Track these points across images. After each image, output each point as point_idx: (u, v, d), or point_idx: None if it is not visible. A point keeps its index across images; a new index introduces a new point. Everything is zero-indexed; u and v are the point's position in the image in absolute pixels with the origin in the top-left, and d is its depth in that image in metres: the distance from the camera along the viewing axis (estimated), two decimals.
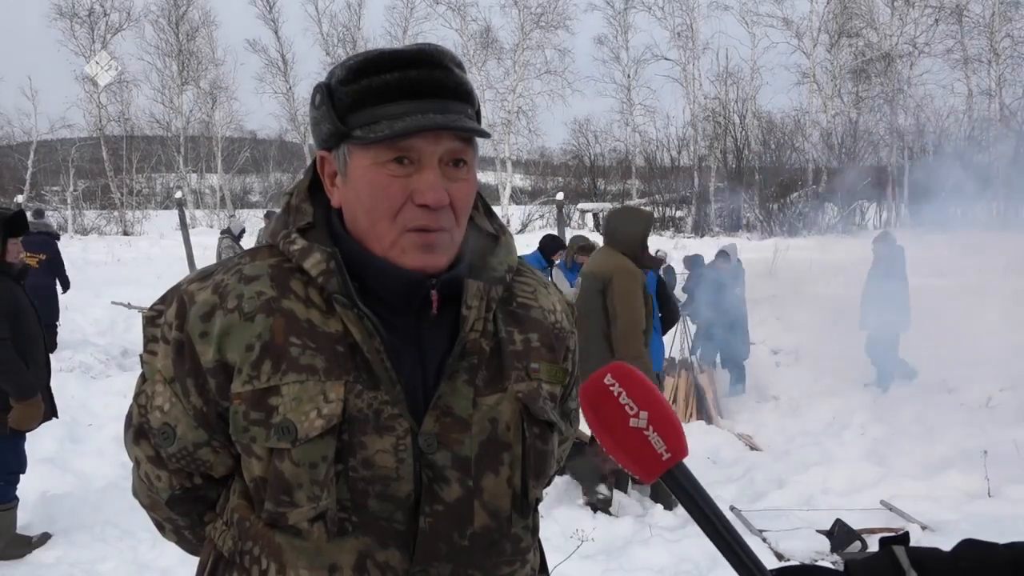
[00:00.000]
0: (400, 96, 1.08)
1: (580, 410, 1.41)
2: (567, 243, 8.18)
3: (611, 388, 0.93)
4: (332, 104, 1.11)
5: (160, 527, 1.31)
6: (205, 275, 1.16)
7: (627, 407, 0.92)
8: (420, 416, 1.10)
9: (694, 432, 6.02)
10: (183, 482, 1.20)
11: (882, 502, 4.88)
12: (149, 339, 1.18)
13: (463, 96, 1.12)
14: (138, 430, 1.20)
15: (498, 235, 1.24)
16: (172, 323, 1.13)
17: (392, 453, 1.08)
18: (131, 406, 1.22)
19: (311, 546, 1.09)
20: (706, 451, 6.05)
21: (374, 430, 1.08)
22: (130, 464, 1.28)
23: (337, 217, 1.17)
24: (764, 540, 4.36)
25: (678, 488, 0.92)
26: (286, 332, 1.09)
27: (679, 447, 0.92)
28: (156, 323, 1.16)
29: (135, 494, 1.28)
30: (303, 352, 1.08)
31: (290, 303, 1.11)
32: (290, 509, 1.08)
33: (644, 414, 0.91)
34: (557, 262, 7.83)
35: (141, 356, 1.20)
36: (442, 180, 1.09)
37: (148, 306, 1.22)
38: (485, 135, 1.12)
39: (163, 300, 1.18)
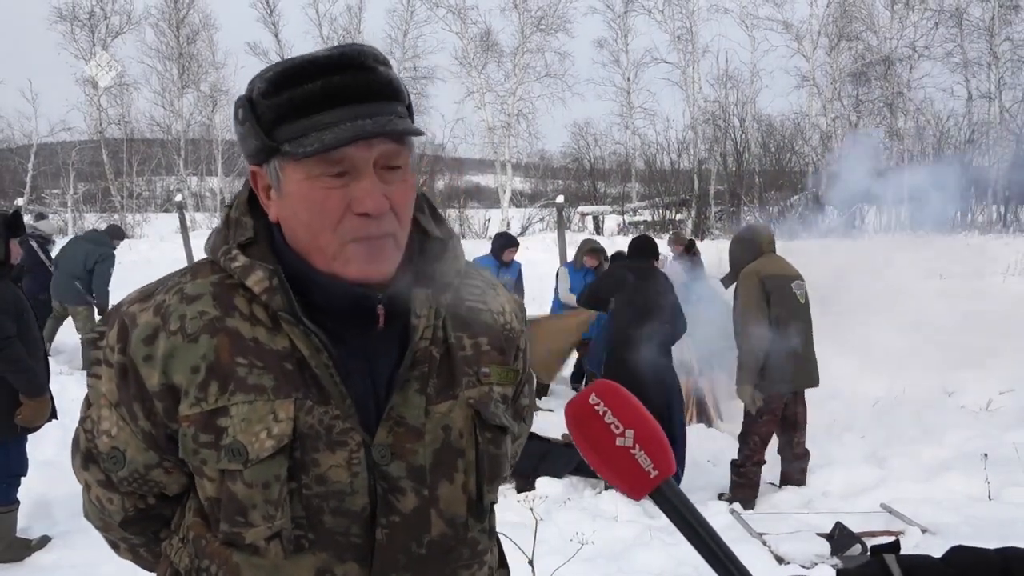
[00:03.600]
0: (326, 105, 1.04)
1: (533, 406, 1.42)
2: (578, 247, 8.17)
3: (596, 407, 0.93)
4: (256, 119, 1.07)
5: (115, 546, 1.29)
6: (146, 295, 1.14)
7: (613, 426, 0.92)
8: (373, 428, 1.09)
9: (694, 435, 6.02)
10: (136, 503, 1.18)
11: (882, 505, 4.88)
12: (92, 362, 1.15)
13: (392, 95, 1.08)
14: (86, 455, 1.17)
15: (445, 239, 1.21)
16: (114, 346, 1.11)
17: (345, 467, 1.07)
18: (77, 430, 1.19)
19: (268, 564, 1.07)
20: (707, 454, 6.05)
21: (326, 446, 1.06)
22: None
23: (279, 230, 1.14)
24: (764, 543, 4.36)
25: (667, 505, 0.91)
26: (232, 352, 1.07)
27: (666, 464, 0.91)
28: (98, 345, 1.14)
29: (87, 517, 1.27)
30: (250, 371, 1.07)
31: (234, 322, 1.09)
32: (245, 529, 1.06)
33: (630, 432, 0.91)
34: (561, 264, 7.81)
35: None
36: (379, 185, 1.06)
37: None
38: (418, 133, 1.09)
39: (106, 321, 1.15)
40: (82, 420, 1.18)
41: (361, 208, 1.05)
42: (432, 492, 1.11)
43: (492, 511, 1.24)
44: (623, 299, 5.54)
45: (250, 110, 1.08)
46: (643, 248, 5.82)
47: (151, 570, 1.27)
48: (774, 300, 5.04)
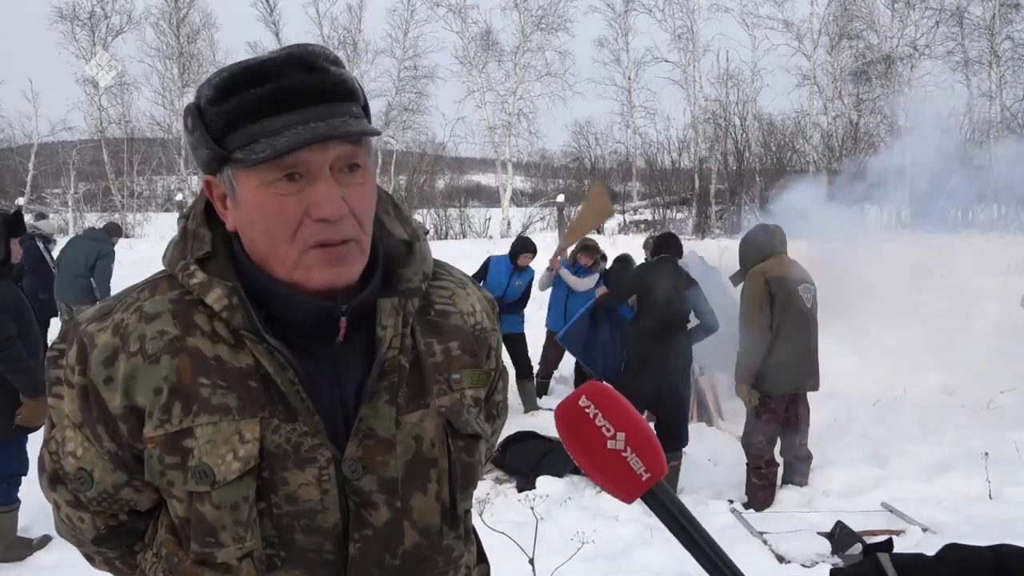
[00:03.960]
0: (276, 109, 1.00)
1: (507, 399, 1.40)
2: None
3: (586, 410, 0.91)
4: (206, 127, 1.03)
5: (90, 559, 1.28)
6: (104, 313, 1.09)
7: (604, 429, 0.90)
8: (343, 442, 1.06)
9: (695, 434, 6.02)
10: (107, 521, 1.16)
11: (883, 504, 4.88)
12: (53, 381, 1.11)
13: (344, 95, 1.04)
14: (52, 476, 1.14)
15: (412, 241, 1.17)
16: (74, 367, 1.07)
17: (316, 485, 1.05)
18: (41, 451, 1.16)
19: None
20: (707, 453, 6.05)
21: (295, 464, 1.04)
22: None
23: (238, 242, 1.09)
24: (765, 542, 4.36)
25: (659, 507, 0.91)
26: (194, 372, 1.04)
27: (658, 466, 0.90)
28: (59, 363, 1.10)
29: (59, 533, 1.24)
30: (214, 392, 1.03)
31: (195, 340, 1.05)
32: (216, 549, 1.05)
33: (621, 435, 0.90)
34: (561, 260, 7.76)
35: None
36: (337, 189, 1.02)
37: None
38: (372, 133, 1.05)
39: (63, 339, 1.11)
40: (46, 441, 1.14)
41: (319, 213, 1.01)
42: (405, 504, 1.09)
43: (467, 515, 1.22)
44: (646, 298, 5.59)
45: (199, 118, 1.04)
46: (666, 245, 5.84)
47: None
48: (778, 302, 5.03)
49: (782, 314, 5.03)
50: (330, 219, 1.01)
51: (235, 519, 1.03)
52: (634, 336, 5.75)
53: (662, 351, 5.42)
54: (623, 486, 0.90)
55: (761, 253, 5.22)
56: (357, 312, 1.08)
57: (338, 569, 1.07)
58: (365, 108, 1.08)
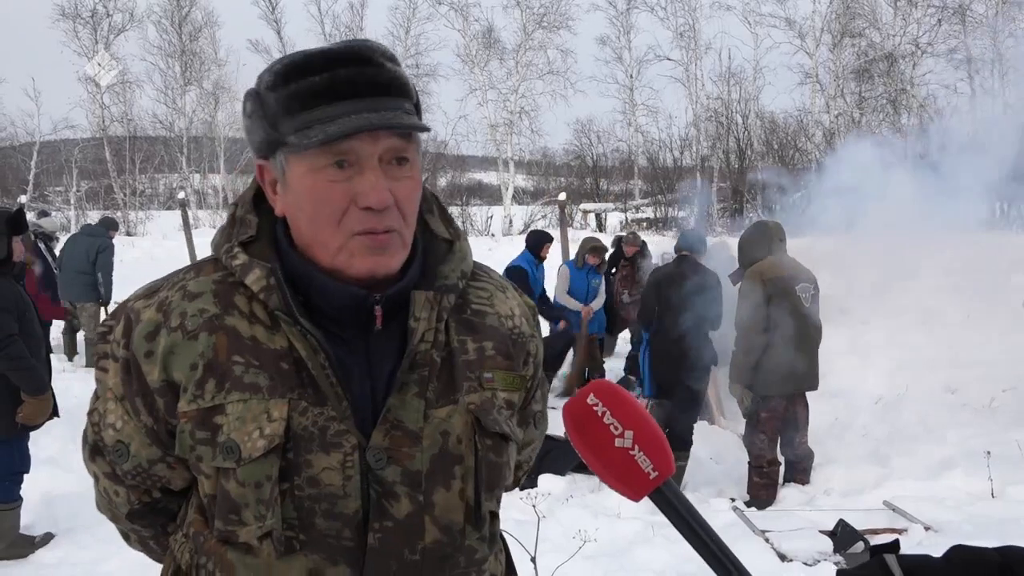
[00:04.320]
0: (331, 98, 1.04)
1: (546, 411, 1.39)
2: (579, 245, 8.15)
3: (595, 408, 0.91)
4: (263, 111, 1.07)
5: (126, 537, 1.31)
6: (151, 291, 1.14)
7: (612, 427, 0.90)
8: (369, 431, 1.08)
9: (697, 433, 6.01)
10: (141, 497, 1.19)
11: (885, 503, 4.87)
12: (100, 355, 1.16)
13: (398, 91, 1.07)
14: (93, 447, 1.19)
15: (453, 240, 1.19)
16: (120, 341, 1.12)
17: (339, 470, 1.06)
18: (87, 423, 1.20)
19: (261, 563, 1.07)
20: (709, 452, 6.04)
21: (320, 447, 1.06)
22: None
23: (283, 228, 1.13)
24: (767, 540, 4.36)
25: (666, 506, 0.90)
26: (229, 350, 1.07)
27: (666, 465, 0.90)
28: (107, 339, 1.14)
29: (99, 508, 1.28)
30: (246, 370, 1.06)
31: (233, 320, 1.09)
32: (239, 527, 1.07)
33: (629, 433, 0.90)
34: (565, 261, 7.80)
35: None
36: (384, 180, 1.05)
37: None
38: (424, 129, 1.08)
39: (113, 316, 1.16)
40: (90, 412, 1.19)
41: (365, 202, 1.04)
42: (427, 498, 1.09)
43: (494, 519, 1.21)
44: (663, 304, 5.66)
45: (257, 103, 1.08)
46: (685, 244, 5.92)
47: (160, 562, 1.27)
48: (775, 302, 5.00)
49: (778, 315, 4.99)
50: (375, 208, 1.04)
51: (258, 497, 1.05)
52: (656, 337, 5.78)
53: (680, 353, 5.45)
54: (631, 484, 0.90)
55: (760, 251, 5.19)
56: (392, 303, 1.10)
57: (356, 557, 1.07)
58: (416, 107, 1.11)
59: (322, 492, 1.05)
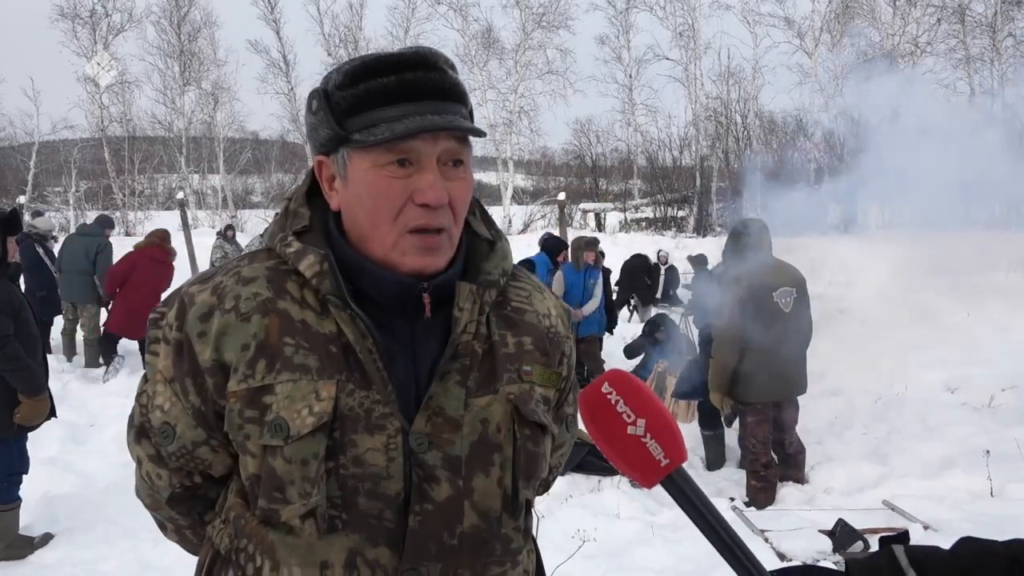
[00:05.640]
0: (398, 99, 1.10)
1: (579, 415, 1.43)
2: (571, 246, 8.14)
3: (608, 396, 0.94)
4: (330, 109, 1.13)
5: (162, 527, 1.34)
6: (206, 278, 1.20)
7: (624, 415, 0.93)
8: (412, 416, 1.12)
9: (697, 432, 6.02)
10: (183, 480, 1.23)
11: (884, 502, 4.87)
12: (152, 340, 1.20)
13: (457, 97, 1.14)
14: (139, 429, 1.23)
15: (495, 241, 1.26)
16: (173, 324, 1.16)
17: (383, 452, 1.10)
18: (134, 406, 1.24)
19: (303, 543, 1.10)
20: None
21: (365, 429, 1.09)
22: (132, 464, 1.30)
23: (334, 221, 1.19)
24: (766, 540, 4.36)
25: (678, 493, 0.92)
26: (280, 332, 1.12)
27: (678, 453, 0.93)
28: (159, 324, 1.19)
29: (138, 494, 1.31)
30: (296, 352, 1.11)
31: (285, 304, 1.14)
32: (282, 506, 1.10)
33: (642, 421, 0.93)
34: (564, 264, 7.79)
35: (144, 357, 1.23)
36: (441, 180, 1.11)
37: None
38: (481, 134, 1.14)
39: (166, 303, 1.21)
40: (138, 395, 1.23)
41: (422, 199, 1.10)
42: (467, 484, 1.13)
43: (529, 513, 1.26)
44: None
45: (324, 100, 1.14)
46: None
47: (195, 553, 1.30)
48: (754, 309, 4.93)
49: (755, 322, 4.91)
50: (432, 205, 1.10)
51: (303, 475, 1.08)
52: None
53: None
54: (642, 471, 0.93)
55: (746, 251, 5.10)
56: (437, 294, 1.15)
57: (396, 539, 1.10)
58: (470, 114, 1.18)
59: (366, 472, 1.09)
